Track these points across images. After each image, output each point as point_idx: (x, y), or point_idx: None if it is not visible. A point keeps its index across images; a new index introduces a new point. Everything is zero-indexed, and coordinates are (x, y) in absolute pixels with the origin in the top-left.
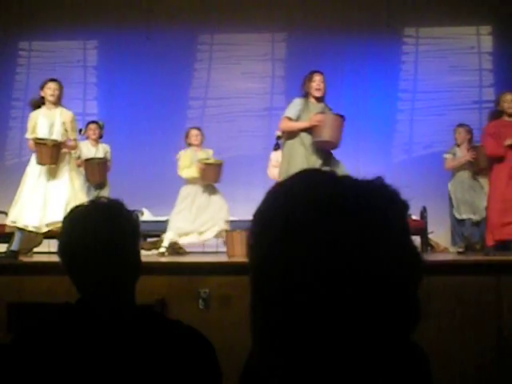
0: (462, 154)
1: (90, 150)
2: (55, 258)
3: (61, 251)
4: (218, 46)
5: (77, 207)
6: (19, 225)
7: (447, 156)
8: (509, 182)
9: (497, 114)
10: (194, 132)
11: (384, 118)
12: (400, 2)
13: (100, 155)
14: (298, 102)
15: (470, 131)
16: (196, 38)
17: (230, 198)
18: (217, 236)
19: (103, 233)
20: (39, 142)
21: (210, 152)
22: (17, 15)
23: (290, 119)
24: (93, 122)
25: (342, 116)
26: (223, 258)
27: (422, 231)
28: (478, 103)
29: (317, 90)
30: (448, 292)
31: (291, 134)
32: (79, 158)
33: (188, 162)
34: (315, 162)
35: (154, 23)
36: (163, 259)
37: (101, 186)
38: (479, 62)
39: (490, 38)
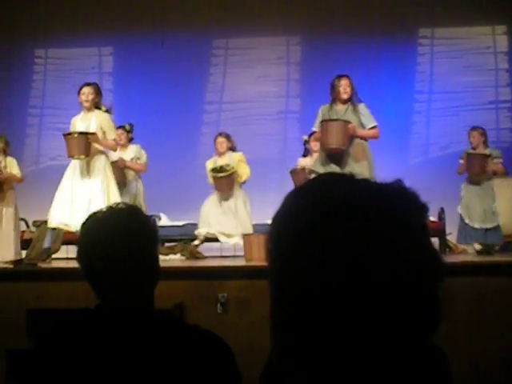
0: None
1: (119, 154)
2: (74, 264)
3: (79, 257)
4: (232, 50)
5: (95, 213)
6: (51, 225)
7: (461, 161)
8: None
9: None
10: (219, 139)
11: (400, 119)
12: (414, 3)
13: (130, 157)
14: (319, 113)
15: (483, 134)
16: (210, 42)
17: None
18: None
19: (121, 238)
20: (66, 134)
21: (237, 156)
22: (32, 23)
23: (315, 132)
24: (119, 126)
25: (345, 121)
26: (241, 262)
27: (440, 233)
28: (494, 103)
29: (344, 93)
30: (468, 293)
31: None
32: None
33: (209, 170)
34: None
35: (169, 29)
36: (182, 264)
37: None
38: (495, 61)
39: (506, 38)
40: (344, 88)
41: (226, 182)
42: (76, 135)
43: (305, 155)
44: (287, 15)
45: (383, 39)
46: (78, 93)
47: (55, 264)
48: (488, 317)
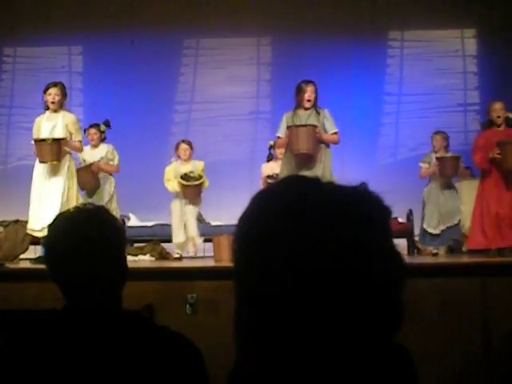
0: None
1: (90, 153)
2: (42, 265)
3: (46, 258)
4: (203, 50)
5: (61, 214)
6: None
7: (422, 165)
8: (494, 194)
9: (488, 123)
10: (182, 146)
11: (370, 120)
12: (384, 5)
13: (101, 155)
14: (284, 120)
15: (446, 138)
16: (181, 42)
17: (215, 203)
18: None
19: (88, 239)
20: (38, 140)
21: (200, 165)
22: (1, 21)
23: (279, 138)
24: (92, 125)
25: (313, 126)
26: (210, 263)
27: (409, 234)
28: (462, 106)
29: (308, 101)
30: (434, 294)
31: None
32: (84, 162)
33: (171, 176)
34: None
35: (139, 28)
36: (151, 264)
37: (92, 191)
38: (464, 64)
39: (475, 41)
40: (309, 95)
41: (195, 189)
42: (49, 142)
43: (269, 160)
44: (258, 16)
45: (354, 41)
46: (44, 92)
47: (23, 264)
48: (453, 317)
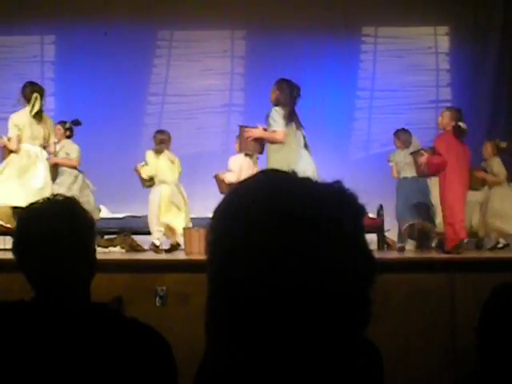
0: (403, 159)
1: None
2: (10, 255)
3: (15, 248)
4: (177, 42)
5: (31, 204)
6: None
7: (392, 164)
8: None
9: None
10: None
11: (342, 115)
12: (358, 1)
13: (61, 154)
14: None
15: (410, 136)
16: (155, 34)
17: (187, 195)
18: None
19: (57, 230)
20: None
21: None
22: None
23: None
24: (60, 122)
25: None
26: (181, 256)
27: (379, 229)
28: (434, 102)
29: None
30: (403, 289)
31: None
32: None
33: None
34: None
35: (113, 19)
36: (121, 256)
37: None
38: (436, 61)
39: (447, 39)
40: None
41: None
42: None
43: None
44: (232, 9)
45: (327, 35)
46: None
47: None
48: (422, 312)
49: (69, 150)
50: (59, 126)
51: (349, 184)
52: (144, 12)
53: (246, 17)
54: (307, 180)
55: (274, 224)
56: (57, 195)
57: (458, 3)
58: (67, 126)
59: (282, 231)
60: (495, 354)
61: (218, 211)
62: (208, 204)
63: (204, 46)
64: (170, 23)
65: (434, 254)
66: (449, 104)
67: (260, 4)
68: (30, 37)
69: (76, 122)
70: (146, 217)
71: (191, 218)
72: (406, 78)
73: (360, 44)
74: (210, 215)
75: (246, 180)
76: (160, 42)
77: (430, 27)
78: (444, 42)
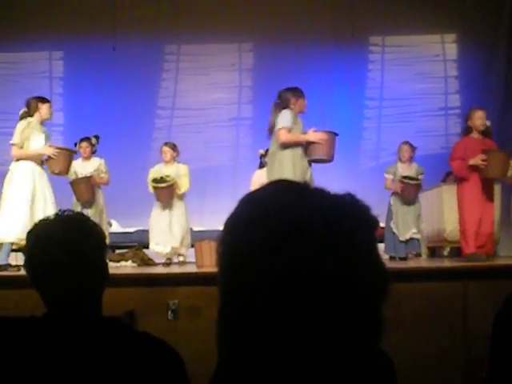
0: (403, 171)
1: (82, 166)
2: (22, 272)
3: (27, 264)
4: (184, 56)
5: (42, 220)
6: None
7: (387, 176)
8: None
9: (468, 130)
10: (163, 148)
11: (351, 125)
12: (364, 11)
13: (90, 170)
14: (290, 114)
15: (413, 149)
16: (162, 48)
17: (197, 209)
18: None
19: (67, 245)
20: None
21: (183, 168)
22: None
23: (288, 130)
24: (84, 139)
25: (336, 134)
26: (192, 269)
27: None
28: (443, 110)
29: (305, 109)
30: (416, 298)
31: (286, 146)
32: (75, 174)
33: (150, 178)
34: (302, 174)
35: (121, 34)
36: (132, 270)
37: (90, 204)
38: (444, 69)
39: (455, 46)
40: (306, 104)
41: (165, 192)
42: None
43: (261, 167)
44: (240, 22)
45: (335, 46)
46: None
47: (4, 271)
48: (435, 322)
49: (104, 168)
50: (86, 144)
51: (359, 194)
52: (151, 27)
53: (253, 29)
54: (319, 191)
55: (285, 237)
56: (66, 210)
57: (465, 10)
58: (93, 141)
59: (292, 244)
60: (508, 362)
61: (229, 223)
62: (219, 217)
63: (211, 59)
64: (177, 37)
65: (447, 263)
66: (458, 111)
67: (267, 16)
68: (38, 53)
69: (97, 138)
70: None
71: (202, 231)
72: (415, 86)
73: (367, 53)
74: (221, 228)
75: (256, 191)
76: (168, 56)
77: (437, 35)
78: (452, 50)
